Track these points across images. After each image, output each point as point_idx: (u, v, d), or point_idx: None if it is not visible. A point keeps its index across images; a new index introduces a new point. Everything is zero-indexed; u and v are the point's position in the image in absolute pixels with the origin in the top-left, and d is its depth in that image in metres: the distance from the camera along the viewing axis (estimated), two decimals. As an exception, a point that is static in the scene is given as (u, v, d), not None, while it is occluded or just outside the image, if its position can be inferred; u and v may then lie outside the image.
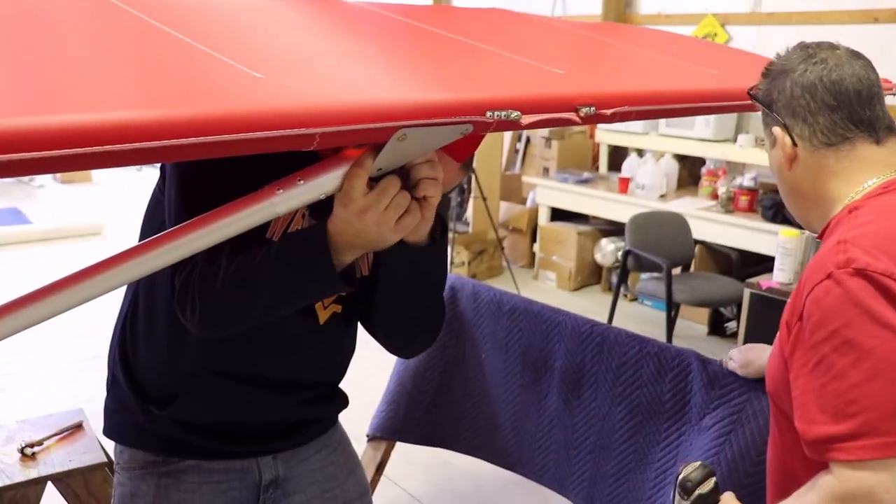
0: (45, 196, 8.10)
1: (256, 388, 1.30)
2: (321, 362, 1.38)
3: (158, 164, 1.07)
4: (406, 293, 1.23)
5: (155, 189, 1.31)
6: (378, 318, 1.31)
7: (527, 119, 0.99)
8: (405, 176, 1.01)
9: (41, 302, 0.90)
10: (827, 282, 1.03)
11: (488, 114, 0.93)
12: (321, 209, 1.07)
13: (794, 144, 1.18)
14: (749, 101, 1.31)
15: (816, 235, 1.21)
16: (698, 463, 1.19)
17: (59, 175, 8.74)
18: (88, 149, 0.65)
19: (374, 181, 0.97)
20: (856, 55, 1.20)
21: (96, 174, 9.14)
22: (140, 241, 1.26)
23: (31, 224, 6.67)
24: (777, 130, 1.19)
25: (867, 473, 0.98)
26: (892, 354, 0.99)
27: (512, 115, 0.96)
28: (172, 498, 1.31)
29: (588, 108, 1.09)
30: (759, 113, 1.26)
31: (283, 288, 1.10)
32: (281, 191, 0.93)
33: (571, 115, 1.07)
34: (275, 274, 1.08)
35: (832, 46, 1.21)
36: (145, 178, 9.43)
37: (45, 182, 8.66)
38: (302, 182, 0.94)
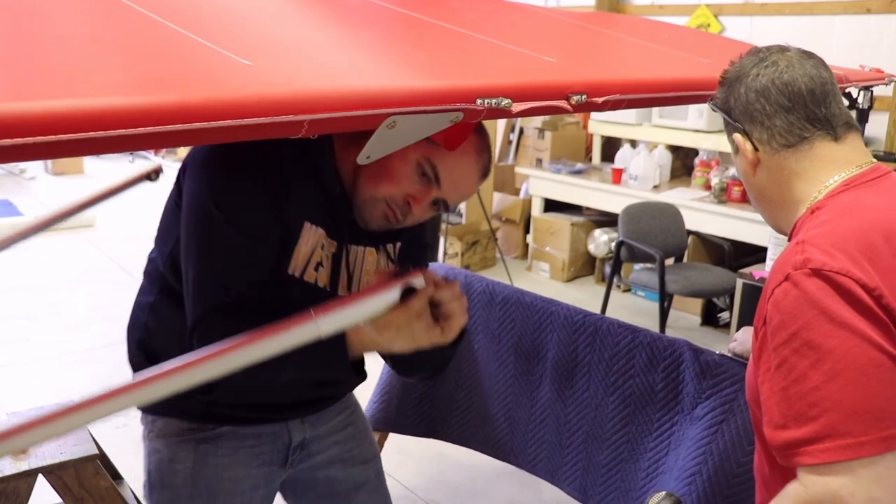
0: (37, 188, 8.07)
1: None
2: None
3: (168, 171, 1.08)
4: (416, 362, 1.33)
5: (170, 202, 1.39)
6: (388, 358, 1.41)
7: (517, 107, 0.98)
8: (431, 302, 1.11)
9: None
10: (785, 284, 1.02)
11: (479, 101, 0.93)
12: (338, 230, 1.28)
13: (756, 149, 1.17)
14: None
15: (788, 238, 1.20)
16: (664, 493, 1.20)
17: (50, 167, 8.70)
18: (76, 135, 0.64)
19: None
20: (807, 55, 1.19)
21: (88, 166, 9.11)
22: (155, 250, 1.46)
23: (22, 216, 6.63)
24: (738, 137, 1.19)
25: (831, 478, 0.96)
26: (850, 354, 0.98)
27: (503, 103, 0.95)
28: (210, 462, 1.40)
29: (579, 97, 1.09)
30: None
31: (299, 375, 1.27)
32: (323, 315, 1.04)
33: (562, 103, 1.07)
34: (295, 368, 1.19)
35: (782, 49, 1.20)
36: (136, 170, 9.38)
37: (37, 174, 8.62)
38: (342, 308, 1.06)
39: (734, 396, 1.71)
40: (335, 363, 1.19)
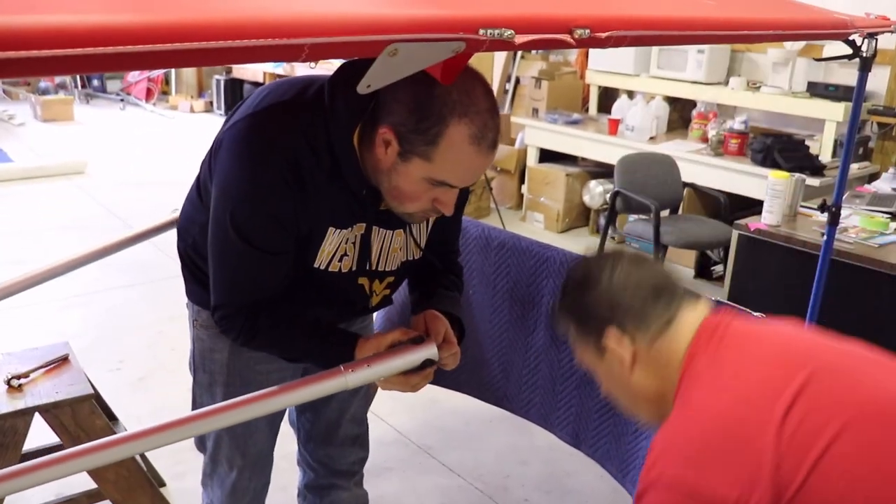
0: (26, 134, 7.97)
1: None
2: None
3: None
4: None
5: (196, 185, 1.52)
6: None
7: (520, 38, 0.96)
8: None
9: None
10: None
11: (481, 31, 0.91)
12: (367, 216, 1.38)
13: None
14: (744, 32, 1.29)
15: None
16: None
17: (39, 113, 8.59)
18: (69, 51, 0.62)
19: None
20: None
21: (78, 113, 8.99)
22: (182, 224, 1.61)
23: (12, 162, 6.56)
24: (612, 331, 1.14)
25: None
26: None
27: (505, 34, 0.93)
28: (244, 355, 1.55)
29: (583, 31, 1.06)
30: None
31: (308, 362, 1.53)
32: (351, 371, 1.28)
33: (566, 37, 1.05)
34: (305, 354, 1.47)
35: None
36: (127, 117, 9.29)
37: (26, 120, 8.50)
38: (367, 367, 1.30)
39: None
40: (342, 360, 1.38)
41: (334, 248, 1.40)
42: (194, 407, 1.67)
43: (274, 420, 1.70)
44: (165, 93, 10.48)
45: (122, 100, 9.91)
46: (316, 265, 1.40)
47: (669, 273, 1.18)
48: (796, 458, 0.95)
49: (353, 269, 1.44)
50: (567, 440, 2.14)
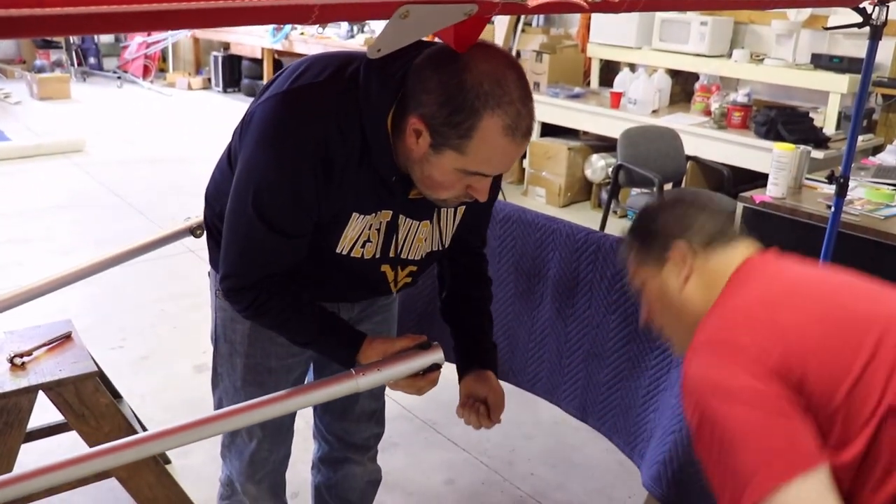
0: (23, 113, 7.91)
1: None
2: None
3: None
4: None
5: (224, 158, 1.47)
6: None
7: (533, 1, 0.94)
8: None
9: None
10: None
11: (494, -7, 0.88)
12: (394, 204, 1.37)
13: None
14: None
15: None
16: None
17: (36, 91, 8.52)
18: (86, 9, 0.60)
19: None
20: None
21: (75, 91, 8.92)
22: (208, 203, 1.54)
23: (9, 141, 6.51)
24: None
25: None
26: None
27: (519, -3, 0.90)
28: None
29: (597, -7, 1.03)
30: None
31: (313, 350, 1.53)
32: (363, 375, 1.34)
33: (580, 0, 1.02)
34: (311, 343, 1.47)
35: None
36: (125, 95, 9.22)
37: (23, 98, 8.45)
38: (378, 370, 1.35)
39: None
40: (343, 360, 1.43)
41: (357, 234, 1.38)
42: (214, 377, 1.67)
43: None
44: (163, 70, 10.39)
45: (119, 77, 9.84)
46: (338, 250, 1.39)
47: (729, 217, 1.33)
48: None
49: (377, 256, 1.43)
50: (574, 413, 2.13)
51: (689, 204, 1.30)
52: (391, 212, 1.39)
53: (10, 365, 1.91)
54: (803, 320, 1.08)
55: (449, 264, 1.66)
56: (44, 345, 2.01)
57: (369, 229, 1.39)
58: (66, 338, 2.06)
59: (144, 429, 2.32)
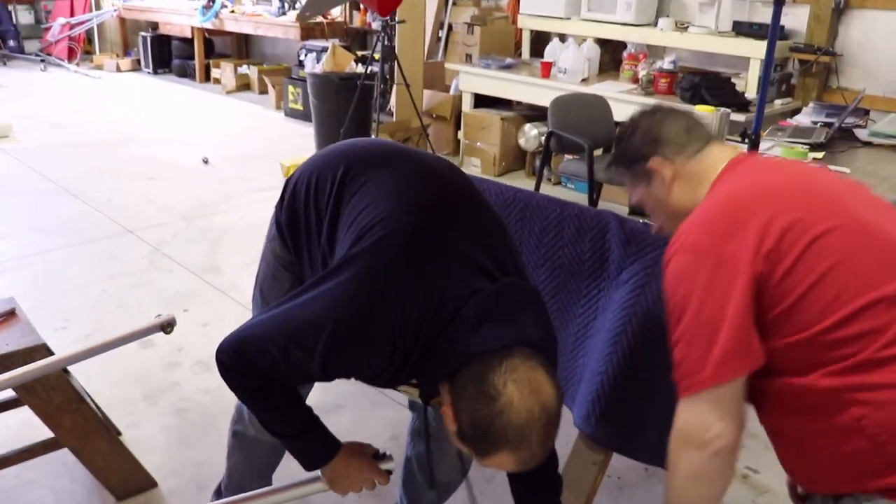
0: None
1: None
2: None
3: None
4: None
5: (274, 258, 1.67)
6: None
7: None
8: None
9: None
10: None
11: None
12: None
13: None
14: None
15: None
16: None
17: (-44, 77, 8.24)
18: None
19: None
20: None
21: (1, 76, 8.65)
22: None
23: (-69, 127, 6.31)
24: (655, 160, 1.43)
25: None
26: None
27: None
28: None
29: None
30: None
31: (290, 442, 1.51)
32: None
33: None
34: (283, 440, 1.50)
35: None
36: (50, 78, 8.98)
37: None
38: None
39: (655, 261, 1.82)
40: (307, 461, 1.51)
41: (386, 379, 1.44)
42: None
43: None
44: (89, 52, 10.13)
45: (42, 60, 9.55)
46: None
47: (700, 119, 1.45)
48: (789, 244, 1.19)
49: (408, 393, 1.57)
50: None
51: (653, 120, 1.43)
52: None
53: (-45, 342, 1.93)
54: (790, 183, 1.28)
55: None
56: (-12, 321, 2.03)
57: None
58: (11, 314, 2.09)
59: (94, 402, 2.36)
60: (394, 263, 1.31)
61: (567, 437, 1.94)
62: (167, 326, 1.99)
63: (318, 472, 1.51)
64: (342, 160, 1.55)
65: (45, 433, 2.13)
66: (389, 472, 1.57)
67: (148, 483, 2.29)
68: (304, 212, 1.58)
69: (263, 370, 1.36)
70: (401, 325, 1.28)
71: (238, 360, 1.36)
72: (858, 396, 1.16)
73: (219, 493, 2.01)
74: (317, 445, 1.49)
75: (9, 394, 2.11)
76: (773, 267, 1.19)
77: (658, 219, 1.50)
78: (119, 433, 2.50)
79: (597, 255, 1.95)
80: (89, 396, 2.51)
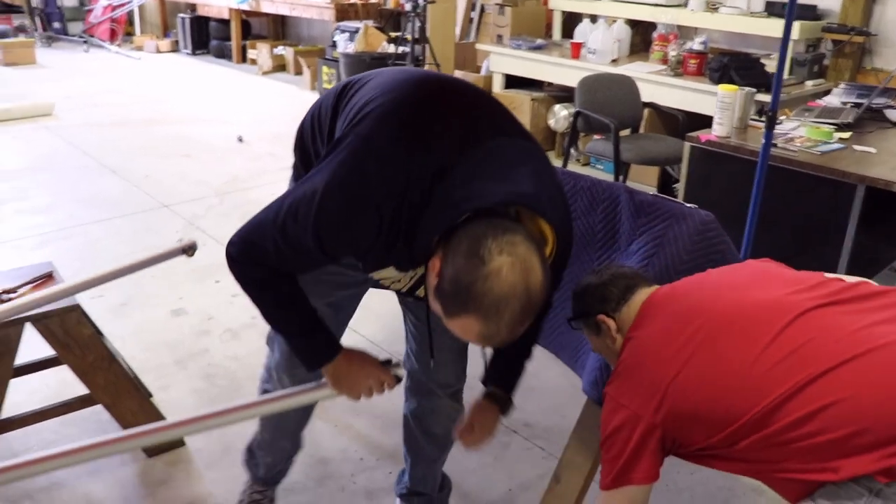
0: (-10, 78, 7.89)
1: None
2: None
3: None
4: None
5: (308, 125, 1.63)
6: None
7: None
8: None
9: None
10: None
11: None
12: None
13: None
14: None
15: None
16: None
17: (2, 57, 8.47)
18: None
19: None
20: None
21: (41, 57, 8.88)
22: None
23: (-22, 106, 6.52)
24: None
25: None
26: None
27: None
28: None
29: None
30: None
31: (294, 340, 1.54)
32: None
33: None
34: (286, 337, 1.55)
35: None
36: (92, 59, 9.18)
37: (-11, 64, 8.41)
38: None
39: (664, 231, 1.87)
40: (308, 360, 1.55)
41: (389, 275, 1.46)
42: None
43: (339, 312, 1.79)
44: (129, 34, 10.33)
45: (85, 41, 9.78)
46: (369, 274, 1.48)
47: (629, 269, 1.69)
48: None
49: (404, 291, 1.54)
50: (525, 335, 2.30)
51: (598, 284, 1.66)
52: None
53: (-3, 301, 2.05)
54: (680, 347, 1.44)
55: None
56: (28, 283, 2.14)
57: (402, 274, 1.46)
58: (48, 277, 2.20)
59: (127, 365, 2.47)
60: (380, 131, 1.33)
61: (577, 405, 2.00)
62: (189, 249, 2.04)
63: (325, 380, 1.54)
64: (341, 84, 1.60)
65: (81, 391, 2.25)
66: (398, 379, 1.57)
67: (176, 442, 2.40)
68: (311, 139, 1.62)
69: (267, 255, 1.38)
70: (387, 190, 1.28)
71: (244, 248, 1.40)
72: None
73: (250, 452, 2.07)
74: (319, 344, 1.52)
75: (49, 353, 2.22)
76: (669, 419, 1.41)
77: (610, 361, 1.69)
78: (150, 395, 2.62)
79: (608, 227, 2.00)
80: (123, 360, 2.63)
